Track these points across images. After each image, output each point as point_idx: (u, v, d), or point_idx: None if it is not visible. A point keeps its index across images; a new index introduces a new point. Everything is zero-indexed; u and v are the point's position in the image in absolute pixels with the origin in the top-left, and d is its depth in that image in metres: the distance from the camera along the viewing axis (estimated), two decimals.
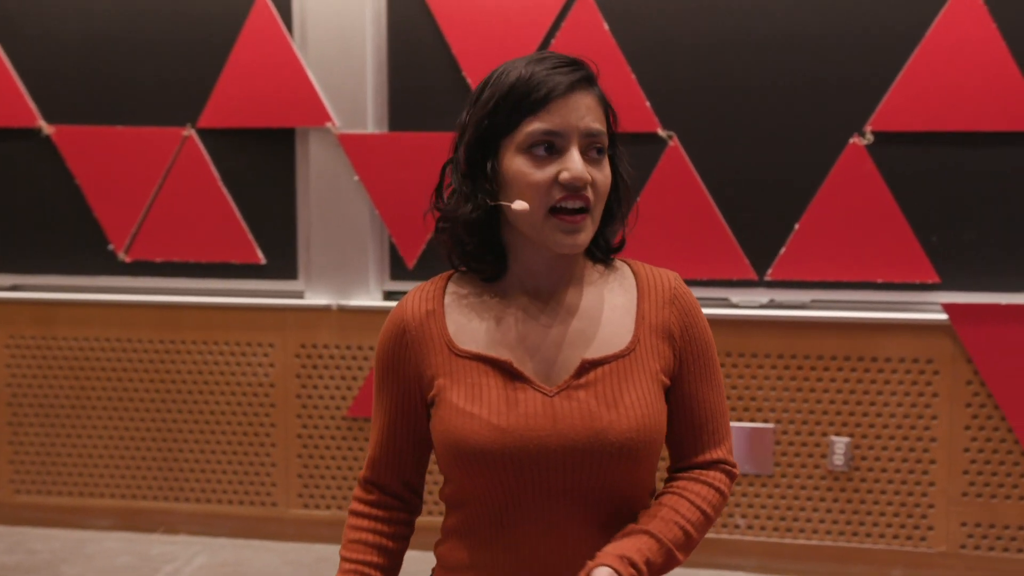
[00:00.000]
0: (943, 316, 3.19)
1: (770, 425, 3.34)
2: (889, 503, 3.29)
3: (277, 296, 3.65)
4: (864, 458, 3.29)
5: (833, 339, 3.29)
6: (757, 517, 3.39)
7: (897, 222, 3.25)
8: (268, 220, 3.64)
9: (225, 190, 3.63)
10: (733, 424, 3.36)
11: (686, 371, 1.39)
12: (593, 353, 1.34)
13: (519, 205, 1.30)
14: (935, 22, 3.17)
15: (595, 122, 1.31)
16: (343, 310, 3.57)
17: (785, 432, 3.35)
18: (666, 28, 3.34)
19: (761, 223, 3.34)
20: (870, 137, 3.24)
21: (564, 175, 1.28)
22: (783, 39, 3.28)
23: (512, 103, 1.30)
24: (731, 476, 1.43)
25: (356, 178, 3.53)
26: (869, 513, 3.31)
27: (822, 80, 3.27)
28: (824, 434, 3.32)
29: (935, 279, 3.24)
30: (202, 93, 3.60)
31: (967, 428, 3.22)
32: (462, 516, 1.38)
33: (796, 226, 3.31)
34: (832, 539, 3.34)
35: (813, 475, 3.34)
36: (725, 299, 3.39)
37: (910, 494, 3.27)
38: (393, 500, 1.45)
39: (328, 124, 3.51)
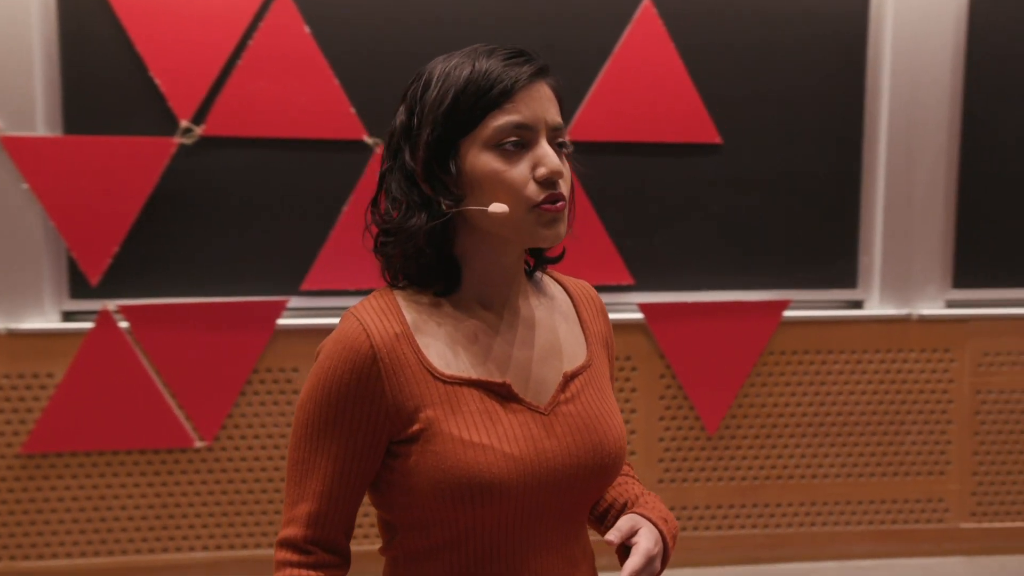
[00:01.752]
0: (639, 315, 3.40)
1: None
2: None
3: None
4: None
5: None
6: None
7: (595, 227, 3.40)
8: None
9: None
10: None
11: (612, 377, 1.41)
12: (567, 366, 1.30)
13: (497, 208, 1.18)
14: (622, 40, 3.35)
15: (558, 115, 1.24)
16: (14, 334, 3.16)
17: None
18: (376, 36, 3.27)
19: None
20: (569, 145, 3.36)
21: (541, 170, 1.18)
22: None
23: (472, 98, 1.19)
24: None
25: (25, 186, 3.13)
26: None
27: None
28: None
29: (630, 280, 3.43)
30: None
31: (661, 419, 3.45)
32: (446, 561, 1.22)
33: None
34: None
35: None
36: None
37: None
38: (335, 557, 1.25)
39: None
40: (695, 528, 3.50)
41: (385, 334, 1.20)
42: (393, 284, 1.28)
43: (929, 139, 3.51)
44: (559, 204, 1.19)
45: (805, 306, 3.51)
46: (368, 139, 3.28)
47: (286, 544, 1.23)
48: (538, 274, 1.37)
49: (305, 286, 3.30)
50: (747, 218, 3.47)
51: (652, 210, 3.44)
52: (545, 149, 1.19)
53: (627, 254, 3.43)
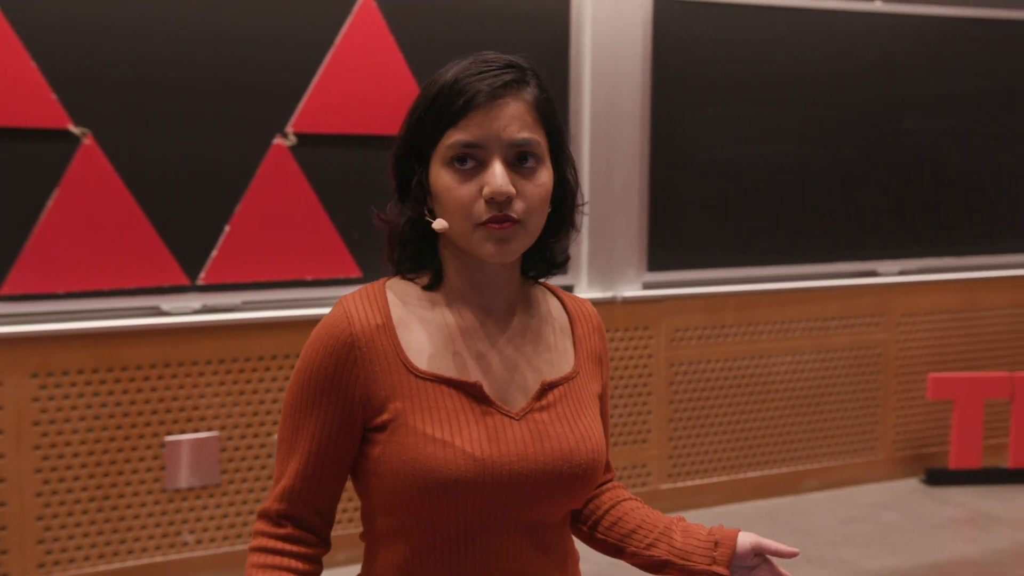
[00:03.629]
0: None
1: (215, 433, 3.25)
2: None
3: None
4: None
5: (270, 339, 3.31)
6: (206, 530, 3.27)
7: (321, 220, 3.37)
8: None
9: None
10: (176, 438, 3.20)
11: (603, 396, 1.39)
12: (549, 375, 1.29)
13: (439, 225, 1.22)
14: (343, 31, 3.35)
15: (522, 131, 1.20)
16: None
17: (230, 438, 3.28)
18: (76, 11, 3.03)
19: (191, 226, 3.22)
20: (293, 138, 3.31)
21: (486, 190, 1.18)
22: (204, 34, 3.18)
23: (436, 113, 1.21)
24: None
25: None
26: None
27: (244, 80, 3.25)
28: (269, 434, 3.32)
29: (358, 273, 3.44)
30: None
31: None
32: (406, 550, 1.24)
33: (227, 228, 3.25)
34: None
35: (260, 476, 3.33)
36: (155, 307, 3.20)
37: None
38: (308, 535, 1.27)
39: None
40: None
41: (366, 324, 1.23)
42: (398, 272, 1.31)
43: (625, 140, 3.83)
44: (506, 224, 1.19)
45: None
46: (74, 128, 3.03)
47: (263, 515, 1.28)
48: (536, 286, 1.38)
49: (4, 291, 3.00)
50: None
51: (377, 203, 3.45)
52: (493, 169, 1.19)
53: (354, 247, 3.43)
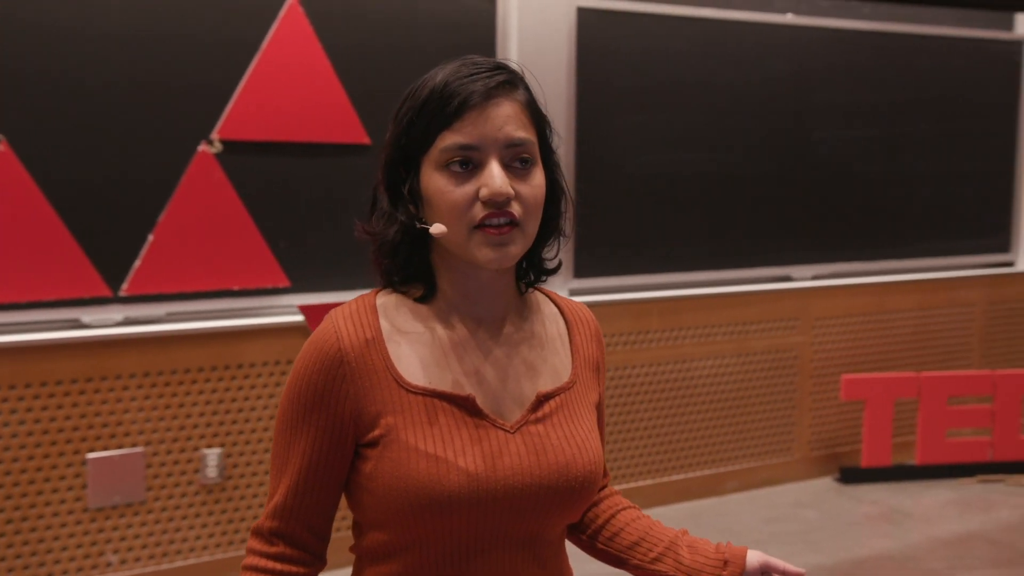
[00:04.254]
0: (299, 317, 3.35)
1: (139, 449, 3.15)
2: (261, 505, 3.35)
3: None
4: (236, 466, 3.30)
5: (196, 351, 3.23)
6: (131, 549, 3.17)
7: (248, 229, 3.30)
8: None
9: None
10: (99, 455, 3.09)
11: (599, 404, 1.36)
12: (544, 385, 1.26)
13: (437, 229, 1.19)
14: (268, 37, 3.29)
15: (518, 130, 1.18)
16: None
17: (156, 453, 3.19)
18: None
19: (113, 235, 3.12)
20: (219, 145, 3.24)
21: (484, 191, 1.16)
22: (124, 36, 3.09)
23: (427, 117, 1.18)
24: None
25: None
26: (243, 520, 3.33)
27: (167, 84, 3.16)
28: (196, 448, 3.24)
29: (286, 283, 3.38)
30: None
31: None
32: (398, 566, 1.22)
33: (150, 237, 3.16)
34: (210, 554, 3.28)
35: (187, 492, 3.24)
36: (76, 320, 3.09)
37: None
38: (302, 553, 1.25)
39: None
40: None
41: (356, 339, 1.21)
42: (389, 285, 1.28)
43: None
44: (504, 228, 1.17)
45: None
46: None
47: (256, 533, 1.26)
48: (534, 293, 1.35)
49: None
50: None
51: (306, 211, 3.41)
52: (492, 170, 1.17)
53: (282, 256, 3.37)
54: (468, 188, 1.17)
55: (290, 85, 3.34)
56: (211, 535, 3.28)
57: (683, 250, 4.20)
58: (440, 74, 1.20)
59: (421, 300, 1.26)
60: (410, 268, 1.25)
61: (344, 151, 3.45)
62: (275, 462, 1.25)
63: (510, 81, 1.21)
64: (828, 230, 4.56)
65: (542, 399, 1.25)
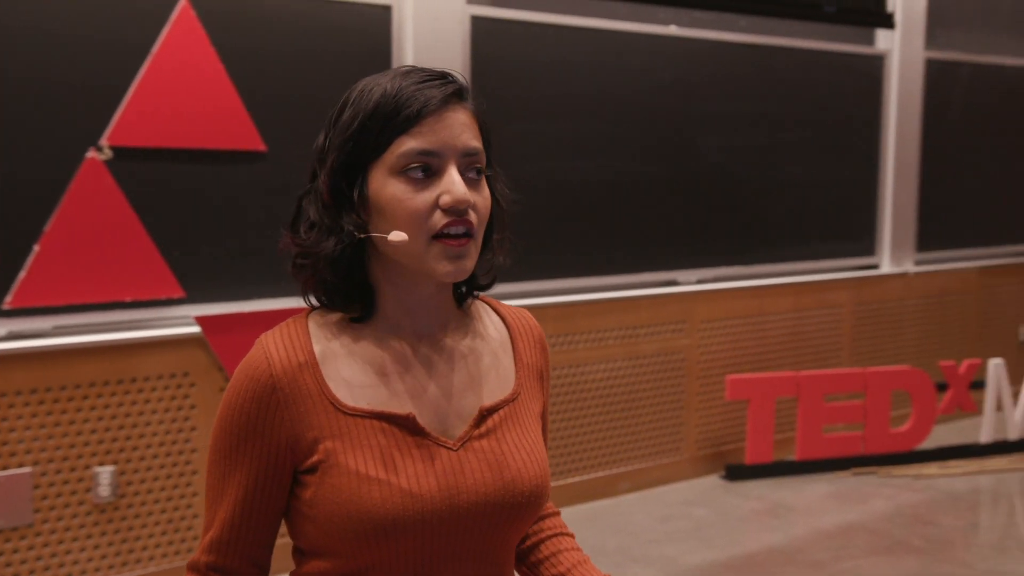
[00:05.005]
0: (195, 329, 3.26)
1: (27, 469, 3.00)
2: (156, 523, 3.24)
3: None
4: (130, 483, 3.18)
5: (86, 365, 3.10)
6: (17, 575, 3.02)
7: (140, 239, 3.19)
8: None
9: None
10: None
11: (544, 413, 1.31)
12: (487, 399, 1.23)
13: (397, 236, 1.14)
14: (160, 40, 3.19)
15: (472, 140, 1.16)
16: None
17: (44, 473, 3.04)
18: None
19: None
20: (108, 152, 3.12)
21: (445, 198, 1.13)
22: (5, 36, 2.94)
23: (380, 122, 1.14)
24: None
25: None
26: (138, 539, 3.21)
27: (54, 89, 3.02)
28: (88, 467, 3.11)
29: (181, 293, 3.27)
30: None
31: None
32: None
33: (36, 247, 3.01)
34: (103, 575, 3.15)
35: (79, 513, 3.10)
36: None
37: (176, 509, 3.27)
38: None
39: None
40: None
41: (287, 364, 1.17)
42: (320, 306, 1.22)
43: None
44: (463, 240, 1.15)
45: None
46: None
47: (191, 568, 1.22)
48: (475, 302, 1.31)
49: None
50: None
51: (200, 220, 3.32)
52: (452, 177, 1.14)
53: (176, 266, 3.27)
54: (428, 195, 1.14)
55: (182, 90, 3.24)
56: (104, 556, 3.15)
57: (574, 256, 4.27)
58: (385, 80, 1.17)
59: (358, 317, 1.21)
60: (349, 284, 1.19)
61: (239, 158, 3.37)
62: (209, 494, 1.21)
63: (463, 90, 1.20)
64: (711, 235, 4.71)
65: (485, 413, 1.23)
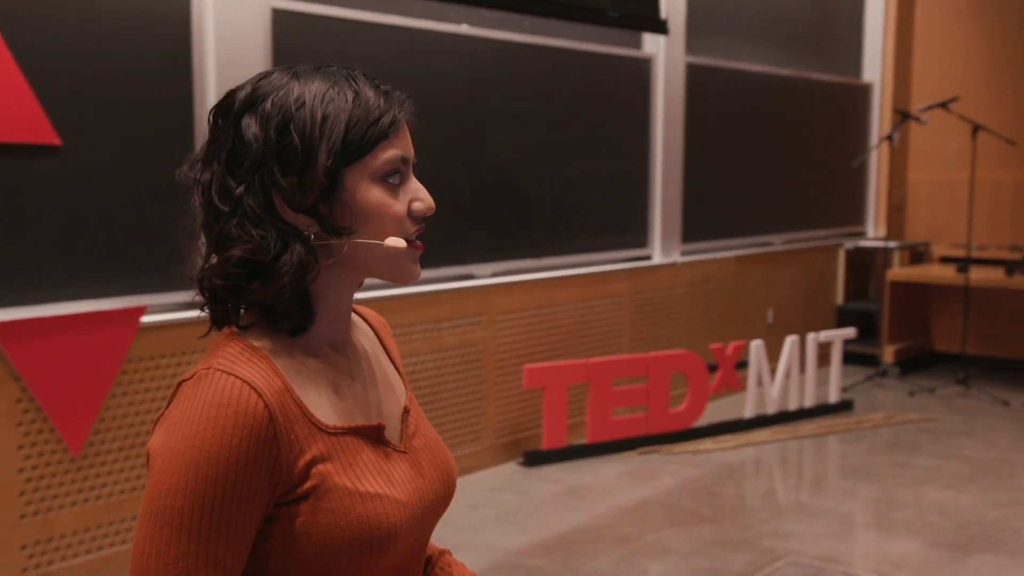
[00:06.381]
0: None
1: None
2: None
3: None
4: None
5: None
6: None
7: None
8: None
9: None
10: None
11: None
12: (401, 399, 1.25)
13: (395, 242, 1.14)
14: None
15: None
16: None
17: None
18: None
19: None
20: None
21: (418, 205, 1.17)
22: None
23: (364, 126, 1.13)
24: None
25: None
26: None
27: None
28: None
29: None
30: None
31: (20, 447, 3.11)
32: None
33: None
34: None
35: None
36: None
37: None
38: None
39: None
40: (64, 559, 3.24)
41: (273, 390, 1.08)
42: (241, 328, 1.14)
43: None
44: (420, 244, 1.19)
45: (162, 310, 3.48)
46: None
47: None
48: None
49: None
50: (93, 223, 3.30)
51: None
52: (418, 184, 1.18)
53: None
54: (401, 201, 1.15)
55: None
56: None
57: None
58: (342, 83, 1.14)
59: (294, 334, 1.14)
60: (299, 294, 1.12)
61: (29, 152, 3.14)
62: (178, 564, 1.02)
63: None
64: (503, 230, 4.86)
65: (406, 413, 1.25)
